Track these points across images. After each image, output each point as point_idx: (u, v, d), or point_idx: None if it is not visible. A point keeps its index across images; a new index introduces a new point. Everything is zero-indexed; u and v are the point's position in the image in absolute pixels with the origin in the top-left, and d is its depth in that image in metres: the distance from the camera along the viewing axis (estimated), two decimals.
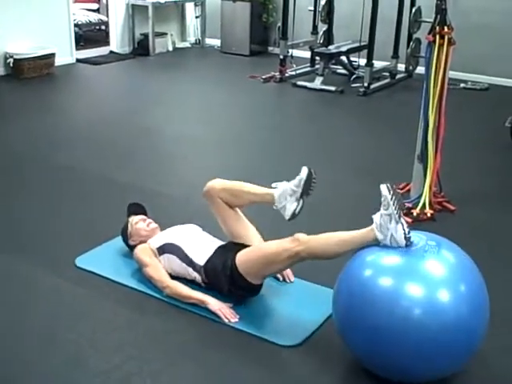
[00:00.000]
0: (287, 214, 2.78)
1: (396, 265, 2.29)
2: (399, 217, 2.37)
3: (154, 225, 3.18)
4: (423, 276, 2.22)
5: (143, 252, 2.99)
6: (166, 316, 2.76)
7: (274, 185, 2.85)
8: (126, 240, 3.19)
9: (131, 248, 3.16)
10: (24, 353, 2.51)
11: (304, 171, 2.77)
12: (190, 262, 2.87)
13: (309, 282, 3.01)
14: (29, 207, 3.84)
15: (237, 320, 2.70)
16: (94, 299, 2.88)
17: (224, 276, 2.75)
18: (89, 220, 3.67)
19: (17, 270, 3.11)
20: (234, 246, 2.85)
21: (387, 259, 2.31)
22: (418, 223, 3.72)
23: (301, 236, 2.55)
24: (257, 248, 2.78)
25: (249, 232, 2.96)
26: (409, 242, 2.34)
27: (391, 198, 2.40)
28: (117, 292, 2.93)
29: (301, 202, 2.78)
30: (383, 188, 2.45)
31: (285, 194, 2.78)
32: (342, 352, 2.49)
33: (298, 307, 2.80)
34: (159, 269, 2.92)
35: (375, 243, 2.39)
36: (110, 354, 2.49)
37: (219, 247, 2.89)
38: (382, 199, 2.43)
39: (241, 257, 2.72)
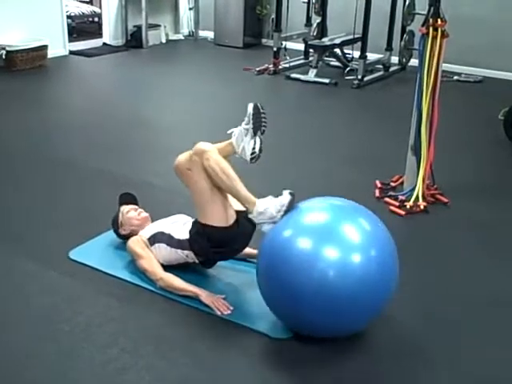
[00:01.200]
0: (247, 155, 2.81)
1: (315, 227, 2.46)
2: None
3: (144, 214, 3.19)
4: (339, 240, 2.40)
5: (136, 244, 3.00)
6: (159, 308, 2.76)
7: (229, 131, 2.89)
8: (116, 229, 3.20)
9: (122, 237, 3.17)
10: (17, 345, 2.51)
11: (250, 106, 2.84)
12: (178, 244, 2.90)
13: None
14: (21, 199, 3.83)
15: (230, 312, 2.71)
16: (87, 292, 2.88)
17: (201, 238, 2.80)
18: (82, 212, 3.67)
19: (9, 263, 3.10)
20: None
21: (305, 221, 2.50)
22: (411, 215, 3.74)
23: (200, 143, 2.76)
24: (190, 189, 2.84)
25: None
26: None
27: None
28: (110, 284, 2.93)
29: (257, 139, 2.83)
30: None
31: (241, 136, 2.84)
32: (334, 344, 2.51)
33: None
34: (153, 261, 2.93)
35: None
36: (105, 347, 2.49)
37: (195, 219, 2.93)
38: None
39: (196, 210, 2.83)
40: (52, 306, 2.76)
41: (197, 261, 2.90)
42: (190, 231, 2.88)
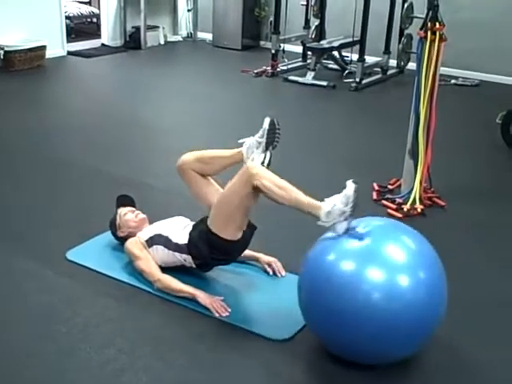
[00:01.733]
0: None
1: (357, 250, 2.33)
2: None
3: (142, 216, 3.19)
4: (384, 261, 2.29)
5: (134, 245, 3.00)
6: (157, 309, 2.77)
7: (240, 140, 2.88)
8: (114, 232, 3.20)
9: (119, 240, 3.17)
10: (15, 345, 2.51)
11: (266, 121, 2.83)
12: (176, 247, 2.90)
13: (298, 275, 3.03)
14: (18, 200, 3.82)
15: (228, 313, 2.71)
16: (85, 292, 2.88)
17: (203, 243, 2.78)
18: (80, 213, 3.67)
19: (8, 262, 3.10)
20: (207, 216, 2.86)
21: (348, 244, 2.36)
22: (408, 218, 3.74)
23: (249, 163, 2.70)
24: (218, 198, 2.80)
25: None
26: None
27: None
28: (108, 285, 2.93)
29: (267, 153, 2.83)
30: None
31: (251, 147, 2.84)
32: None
33: (288, 301, 2.80)
34: (150, 262, 2.93)
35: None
36: (102, 348, 2.50)
37: (196, 222, 2.93)
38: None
39: (210, 216, 2.78)
40: (50, 306, 2.76)
41: (194, 265, 2.90)
42: (191, 233, 2.87)
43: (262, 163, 2.80)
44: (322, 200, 2.49)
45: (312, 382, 2.38)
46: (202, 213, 3.04)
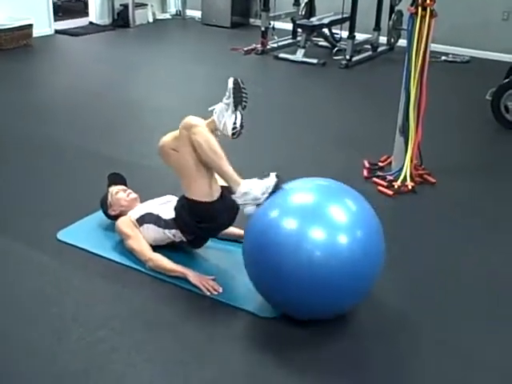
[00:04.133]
0: (229, 130, 2.80)
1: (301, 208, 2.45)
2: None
3: (133, 195, 3.18)
4: (326, 221, 2.39)
5: (125, 224, 3.00)
6: (148, 289, 2.77)
7: (210, 108, 2.88)
8: (105, 210, 3.19)
9: (111, 218, 3.17)
10: (6, 327, 2.51)
11: (230, 81, 2.83)
12: (165, 224, 2.91)
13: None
14: (7, 181, 3.80)
15: (219, 291, 2.72)
16: (76, 272, 2.88)
17: (185, 212, 2.80)
18: (70, 193, 3.65)
19: None
20: None
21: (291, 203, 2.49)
22: (399, 195, 3.75)
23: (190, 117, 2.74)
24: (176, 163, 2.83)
25: None
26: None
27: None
28: (99, 265, 2.93)
29: (238, 114, 2.82)
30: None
31: (222, 112, 2.83)
32: (321, 325, 2.53)
33: None
34: (141, 241, 2.93)
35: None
36: (94, 328, 2.50)
37: (178, 199, 2.94)
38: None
39: (181, 185, 2.81)
40: (40, 288, 2.76)
41: (184, 239, 2.90)
42: (176, 206, 2.88)
43: (234, 124, 2.79)
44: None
45: (299, 360, 2.39)
46: None
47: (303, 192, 2.54)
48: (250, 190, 2.55)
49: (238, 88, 2.81)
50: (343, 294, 2.42)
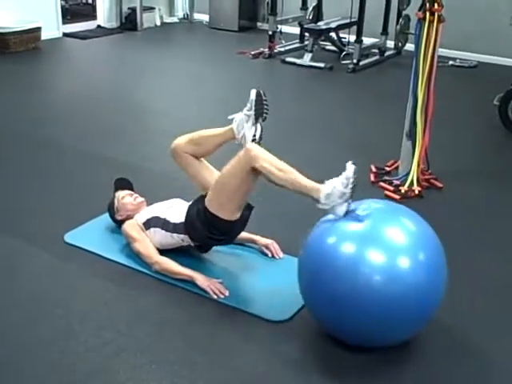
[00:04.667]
0: (248, 142, 2.79)
1: (358, 232, 2.32)
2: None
3: (140, 199, 3.19)
4: (385, 243, 2.27)
5: (131, 227, 3.00)
6: (154, 291, 2.77)
7: (230, 116, 2.87)
8: (112, 215, 3.20)
9: (118, 223, 3.17)
10: (12, 329, 2.51)
11: (253, 93, 2.82)
12: (173, 228, 2.90)
13: (297, 259, 3.03)
14: (14, 183, 3.81)
15: (226, 295, 2.72)
16: (82, 275, 2.89)
17: (200, 223, 2.77)
18: (76, 196, 3.66)
19: (3, 246, 3.10)
20: (203, 195, 2.85)
21: (348, 226, 2.35)
22: (405, 200, 3.75)
23: (248, 145, 2.65)
24: (216, 179, 2.78)
25: None
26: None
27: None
28: (105, 267, 2.94)
29: (258, 126, 2.82)
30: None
31: (241, 122, 2.83)
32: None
33: (286, 283, 2.81)
34: (148, 244, 2.93)
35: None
36: (100, 330, 2.50)
37: (192, 202, 2.91)
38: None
39: (208, 196, 2.76)
40: (47, 289, 2.77)
41: (192, 244, 2.90)
42: (188, 212, 2.85)
43: (254, 136, 2.79)
44: (321, 182, 2.48)
45: (310, 362, 2.39)
46: (198, 194, 3.03)
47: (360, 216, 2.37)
48: (334, 187, 2.39)
49: (259, 100, 2.81)
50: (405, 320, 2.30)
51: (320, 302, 2.38)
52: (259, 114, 2.81)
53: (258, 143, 2.79)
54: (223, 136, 2.88)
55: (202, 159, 3.00)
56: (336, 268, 2.26)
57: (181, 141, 2.94)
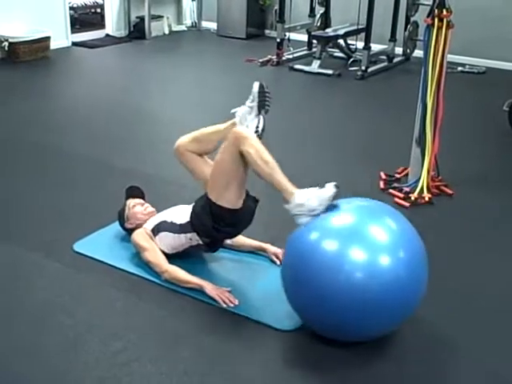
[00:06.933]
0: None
1: (339, 229, 2.37)
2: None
3: (151, 209, 3.18)
4: (366, 241, 2.31)
5: (141, 237, 3.00)
6: (164, 300, 2.76)
7: (232, 110, 2.87)
8: (122, 223, 3.19)
9: (127, 231, 3.17)
10: (20, 337, 2.51)
11: (255, 85, 2.83)
12: (180, 228, 2.90)
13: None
14: (23, 191, 3.82)
15: (236, 304, 2.70)
16: (91, 284, 2.88)
17: (205, 215, 2.77)
18: (85, 205, 3.67)
19: (13, 255, 3.10)
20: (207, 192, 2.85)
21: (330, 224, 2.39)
22: (415, 207, 3.73)
23: (238, 127, 2.71)
24: (212, 167, 2.79)
25: None
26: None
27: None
28: (115, 276, 2.93)
29: (261, 117, 2.81)
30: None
31: (244, 115, 2.82)
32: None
33: None
34: (157, 253, 2.93)
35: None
36: (109, 339, 2.49)
37: (197, 199, 2.92)
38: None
39: (208, 187, 2.78)
40: (56, 298, 2.76)
41: (201, 242, 2.88)
42: (194, 208, 2.86)
43: (257, 128, 2.78)
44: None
45: (321, 371, 2.37)
46: None
47: (343, 212, 2.42)
48: (308, 200, 2.42)
49: (262, 92, 2.82)
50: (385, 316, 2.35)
51: (302, 299, 2.42)
52: (262, 105, 2.81)
53: (261, 135, 2.78)
54: (226, 131, 2.86)
55: (205, 157, 2.99)
56: (318, 264, 2.30)
57: (184, 140, 2.95)
